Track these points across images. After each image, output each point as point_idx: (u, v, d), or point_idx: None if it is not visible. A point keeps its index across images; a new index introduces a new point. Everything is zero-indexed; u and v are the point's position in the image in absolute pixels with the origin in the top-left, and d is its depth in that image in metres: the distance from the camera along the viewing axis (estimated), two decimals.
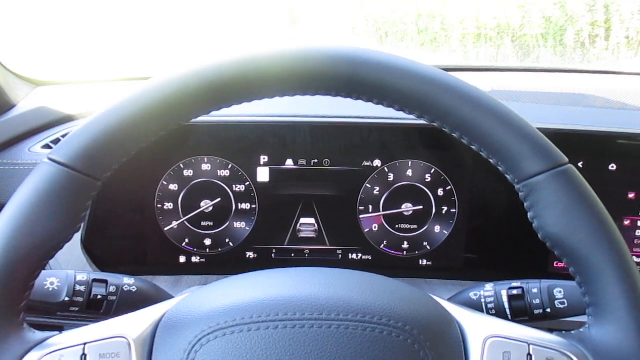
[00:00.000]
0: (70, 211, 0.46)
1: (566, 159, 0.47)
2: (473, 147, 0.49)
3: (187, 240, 0.98)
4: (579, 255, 0.46)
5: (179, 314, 0.50)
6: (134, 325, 0.49)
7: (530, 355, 0.47)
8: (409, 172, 0.96)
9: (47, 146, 0.94)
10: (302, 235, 0.98)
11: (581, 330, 0.49)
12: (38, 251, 0.45)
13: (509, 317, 0.67)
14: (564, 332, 0.50)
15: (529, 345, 0.47)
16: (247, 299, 0.49)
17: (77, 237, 0.92)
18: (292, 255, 0.99)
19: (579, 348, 0.48)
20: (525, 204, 0.48)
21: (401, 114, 0.51)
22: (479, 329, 0.49)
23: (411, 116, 0.51)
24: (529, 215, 0.48)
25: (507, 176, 0.49)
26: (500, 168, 0.49)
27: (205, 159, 0.96)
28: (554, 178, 0.46)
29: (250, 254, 0.99)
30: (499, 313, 0.67)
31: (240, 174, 0.96)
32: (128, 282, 0.69)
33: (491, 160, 0.49)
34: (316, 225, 0.98)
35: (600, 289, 0.46)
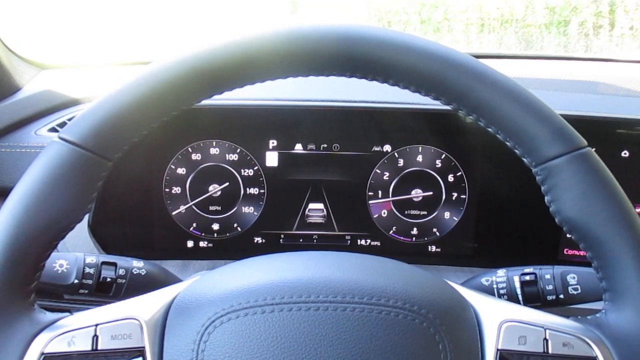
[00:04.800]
0: (81, 191, 0.45)
1: (585, 142, 0.46)
2: (490, 129, 0.48)
3: (194, 224, 0.98)
4: (596, 239, 0.46)
5: (191, 296, 0.49)
6: (145, 307, 0.49)
7: (547, 340, 0.46)
8: (419, 158, 0.95)
9: (53, 129, 0.94)
10: (310, 220, 0.98)
11: (598, 315, 0.48)
12: (49, 231, 0.45)
13: (521, 302, 0.67)
14: (580, 317, 0.50)
15: (545, 329, 0.47)
16: (261, 281, 0.48)
17: (85, 221, 0.92)
18: (301, 240, 0.98)
19: (596, 333, 0.47)
20: (543, 188, 0.47)
21: (412, 98, 0.50)
22: (494, 313, 0.49)
23: (423, 100, 0.50)
24: (546, 199, 0.47)
25: (524, 159, 0.48)
26: (517, 151, 0.48)
27: (214, 143, 0.95)
28: (573, 161, 0.45)
29: (258, 239, 0.98)
30: (511, 299, 0.67)
31: (248, 158, 0.95)
32: (137, 265, 0.68)
33: (508, 144, 0.48)
34: (325, 210, 0.97)
35: (617, 274, 0.46)
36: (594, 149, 0.46)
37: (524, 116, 0.46)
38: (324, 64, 0.47)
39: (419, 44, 0.47)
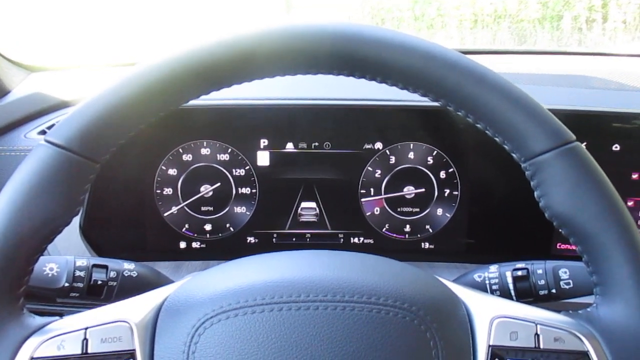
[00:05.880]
0: (68, 194, 0.45)
1: (573, 137, 0.46)
2: (478, 125, 0.48)
3: (187, 225, 0.97)
4: (586, 234, 0.46)
5: (181, 297, 0.49)
6: (135, 309, 0.49)
7: (538, 335, 0.47)
8: (411, 155, 0.95)
9: (43, 132, 0.93)
10: (303, 219, 0.97)
11: (588, 309, 0.49)
12: (37, 235, 0.45)
13: (514, 298, 0.67)
14: (571, 311, 0.50)
15: (536, 325, 0.47)
16: (251, 281, 0.48)
17: (76, 224, 0.91)
18: (293, 239, 0.98)
19: (587, 327, 0.47)
20: (532, 183, 0.47)
21: (403, 96, 0.50)
22: (486, 310, 0.49)
23: (413, 97, 0.50)
24: (536, 194, 0.47)
25: (513, 155, 0.48)
26: (506, 147, 0.48)
27: (205, 143, 0.95)
28: (562, 156, 0.45)
29: (251, 239, 0.98)
30: (504, 294, 0.67)
31: (240, 158, 0.95)
32: (128, 267, 0.68)
33: (497, 139, 0.48)
34: (317, 209, 0.97)
35: (608, 268, 0.46)
36: (585, 143, 0.47)
37: (511, 111, 0.46)
38: (309, 62, 0.47)
39: (407, 40, 0.46)
